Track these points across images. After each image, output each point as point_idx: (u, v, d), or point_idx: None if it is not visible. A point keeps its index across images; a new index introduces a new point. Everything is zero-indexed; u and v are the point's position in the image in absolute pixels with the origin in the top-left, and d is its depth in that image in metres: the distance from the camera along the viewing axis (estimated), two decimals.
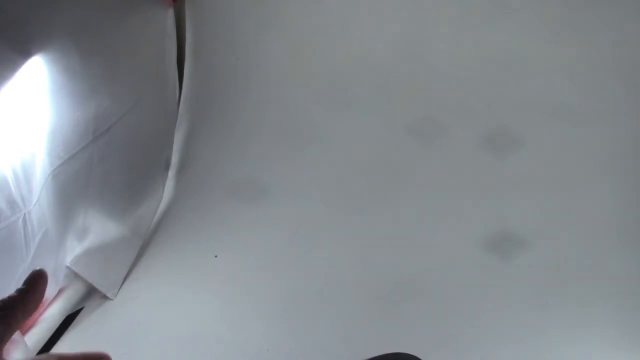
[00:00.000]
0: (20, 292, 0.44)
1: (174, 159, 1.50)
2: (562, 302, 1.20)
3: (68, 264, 1.15)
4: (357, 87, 1.46)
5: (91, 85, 1.07)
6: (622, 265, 1.26)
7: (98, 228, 1.21)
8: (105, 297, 1.21)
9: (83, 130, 1.08)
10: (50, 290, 1.10)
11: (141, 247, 1.33)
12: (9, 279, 0.94)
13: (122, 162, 1.25)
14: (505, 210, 1.35)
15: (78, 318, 1.17)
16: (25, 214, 0.93)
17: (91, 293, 1.21)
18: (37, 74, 0.92)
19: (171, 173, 1.48)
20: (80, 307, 1.19)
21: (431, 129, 1.42)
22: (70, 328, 1.14)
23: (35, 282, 0.45)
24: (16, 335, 0.97)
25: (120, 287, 1.24)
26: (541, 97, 1.40)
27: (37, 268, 0.46)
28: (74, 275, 1.17)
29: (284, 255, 1.32)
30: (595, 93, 1.38)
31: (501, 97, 1.42)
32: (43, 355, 0.42)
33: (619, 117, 1.38)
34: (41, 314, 1.09)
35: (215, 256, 1.32)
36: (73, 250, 1.16)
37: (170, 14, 1.41)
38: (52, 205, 1.03)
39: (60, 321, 1.12)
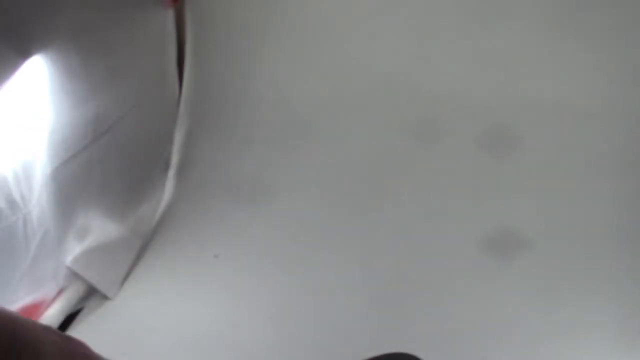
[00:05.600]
0: None
1: (174, 159, 1.50)
2: (562, 302, 1.20)
3: (68, 264, 1.15)
4: (358, 87, 1.46)
5: (91, 85, 1.08)
6: (622, 265, 1.26)
7: (98, 228, 1.21)
8: (105, 297, 1.21)
9: (83, 130, 1.08)
10: (50, 290, 1.10)
11: (141, 247, 1.33)
12: (9, 279, 0.94)
13: (122, 162, 1.25)
14: (505, 210, 1.35)
15: (78, 318, 1.17)
16: (25, 214, 0.93)
17: (91, 293, 1.21)
18: (37, 74, 0.92)
19: (171, 173, 1.48)
20: (80, 307, 1.19)
21: (431, 129, 1.42)
22: (70, 328, 1.14)
23: None
24: None
25: (120, 287, 1.24)
26: (541, 97, 1.40)
27: None
28: (74, 275, 1.17)
29: (284, 255, 1.32)
30: (595, 93, 1.38)
31: (501, 97, 1.42)
32: None
33: (619, 117, 1.38)
34: (41, 314, 1.09)
35: (215, 256, 1.32)
36: (73, 250, 1.16)
37: (170, 14, 1.41)
38: (52, 205, 1.03)
39: (61, 321, 1.12)
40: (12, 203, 0.90)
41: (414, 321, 1.16)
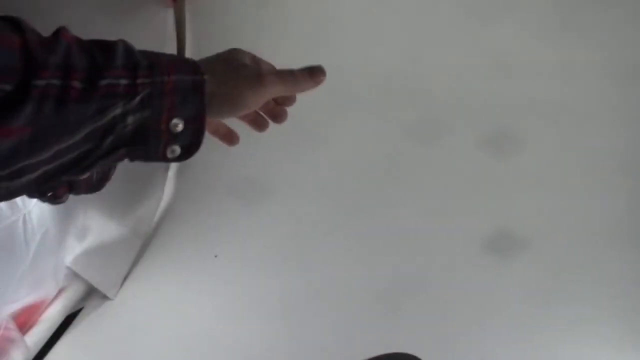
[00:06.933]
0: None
1: None
2: (562, 302, 1.20)
3: (68, 264, 1.15)
4: (358, 87, 1.46)
5: None
6: (621, 265, 1.26)
7: (98, 228, 1.21)
8: (105, 297, 1.21)
9: None
10: (50, 290, 1.10)
11: (141, 247, 1.33)
12: (9, 279, 0.94)
13: (122, 162, 1.25)
14: (505, 210, 1.35)
15: (78, 318, 1.17)
16: (25, 214, 0.93)
17: (91, 293, 1.21)
18: None
19: (171, 173, 1.48)
20: (80, 307, 1.18)
21: (431, 130, 1.42)
22: (70, 328, 1.14)
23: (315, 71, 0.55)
24: (16, 335, 0.97)
25: (120, 287, 1.24)
26: (541, 97, 1.40)
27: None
28: (74, 275, 1.16)
29: (284, 255, 1.32)
30: (595, 93, 1.38)
31: (501, 97, 1.42)
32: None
33: (618, 117, 1.38)
34: (41, 313, 1.09)
35: (215, 256, 1.32)
36: (73, 250, 1.16)
37: (170, 14, 1.41)
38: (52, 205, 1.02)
39: (60, 321, 1.12)
40: (12, 203, 0.90)
41: (414, 321, 1.16)
